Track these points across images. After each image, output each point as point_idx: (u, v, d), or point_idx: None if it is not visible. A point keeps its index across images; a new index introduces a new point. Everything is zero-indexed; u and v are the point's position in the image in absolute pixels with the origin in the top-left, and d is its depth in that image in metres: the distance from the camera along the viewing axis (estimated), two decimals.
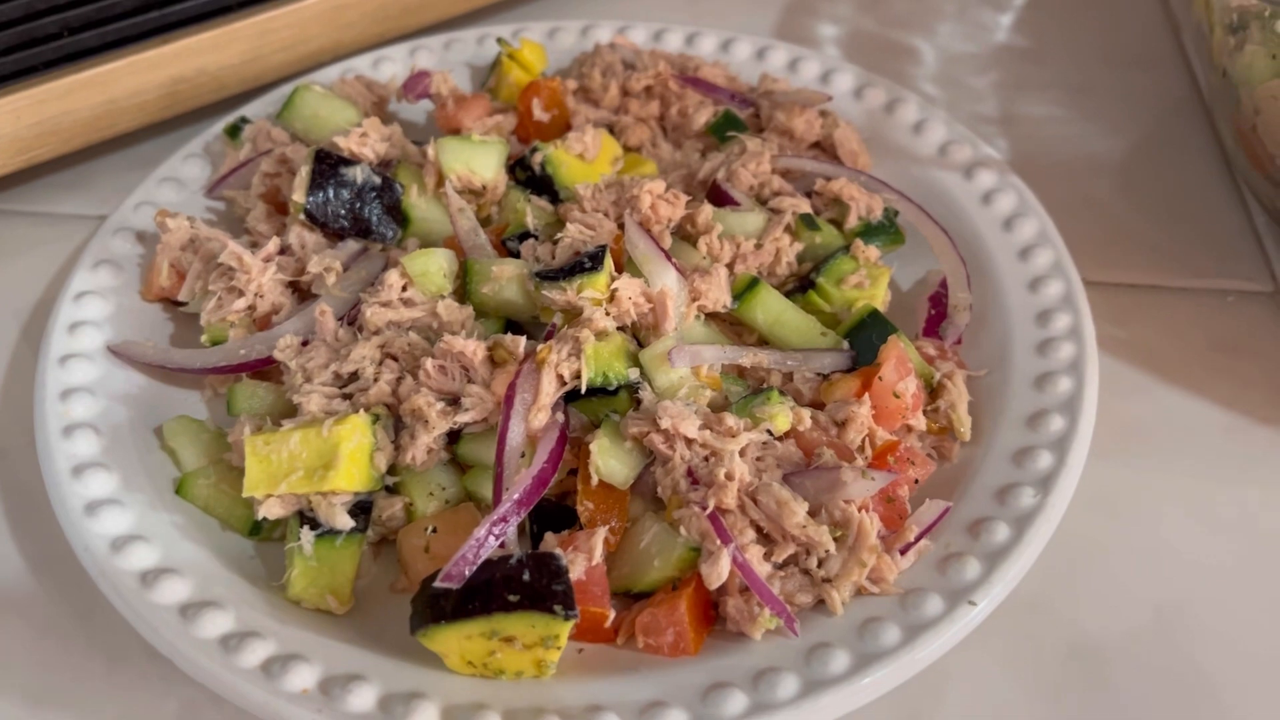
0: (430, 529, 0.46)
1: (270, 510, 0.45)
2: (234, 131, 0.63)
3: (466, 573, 0.41)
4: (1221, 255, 0.63)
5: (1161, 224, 0.65)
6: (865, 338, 0.51)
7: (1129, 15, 0.81)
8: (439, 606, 0.41)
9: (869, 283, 0.54)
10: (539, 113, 0.63)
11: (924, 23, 0.81)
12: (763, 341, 0.54)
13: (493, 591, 0.41)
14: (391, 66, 0.68)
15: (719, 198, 0.58)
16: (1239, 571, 0.49)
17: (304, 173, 0.54)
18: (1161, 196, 0.67)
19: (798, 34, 0.80)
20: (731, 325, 0.54)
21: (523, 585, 0.41)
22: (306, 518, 0.45)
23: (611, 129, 0.64)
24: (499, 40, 0.68)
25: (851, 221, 0.57)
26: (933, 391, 0.51)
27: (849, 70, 0.67)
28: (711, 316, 0.53)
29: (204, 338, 0.53)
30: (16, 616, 0.47)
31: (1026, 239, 0.57)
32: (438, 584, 0.41)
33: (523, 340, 0.48)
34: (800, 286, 0.55)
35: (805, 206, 0.57)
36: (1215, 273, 0.62)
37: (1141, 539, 0.50)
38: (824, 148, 0.63)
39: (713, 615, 0.44)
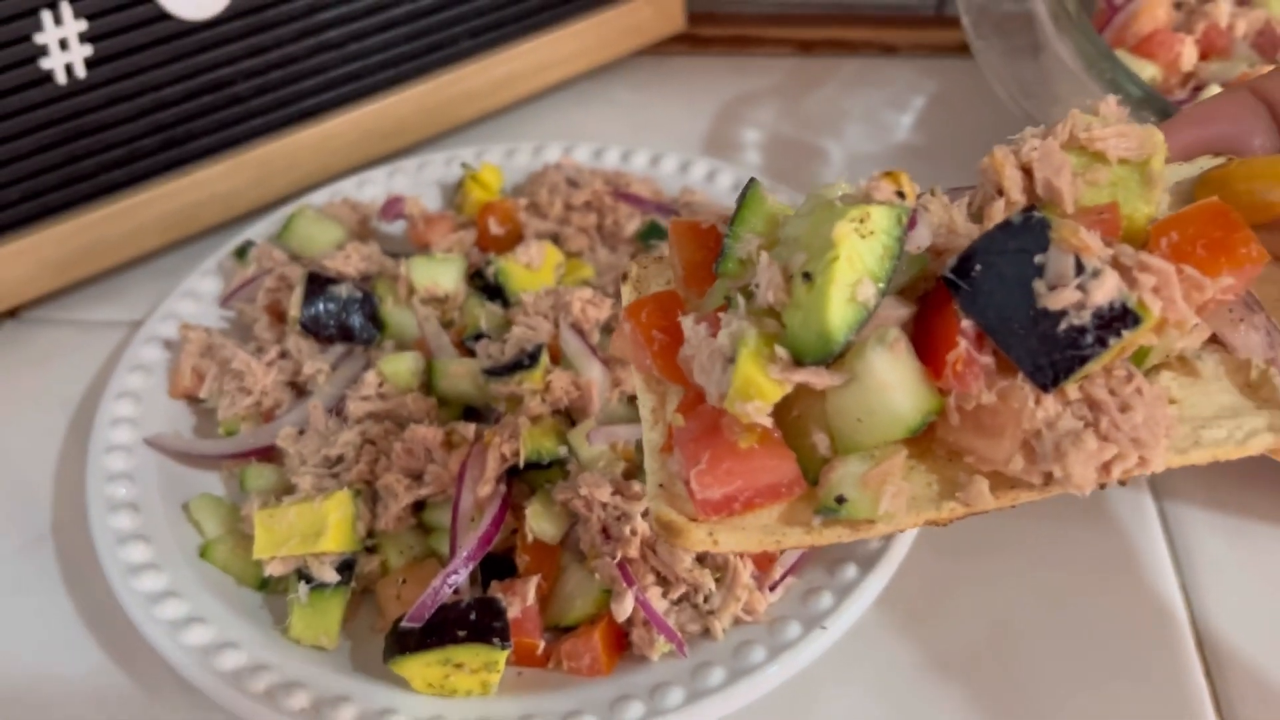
0: (401, 580, 0.58)
1: (274, 569, 0.57)
2: (241, 253, 0.75)
3: (426, 615, 0.53)
4: None
5: None
6: None
7: (1007, 114, 0.93)
8: (405, 641, 0.53)
9: None
10: (495, 228, 0.75)
11: (834, 125, 0.94)
12: None
13: (446, 629, 0.52)
14: (373, 188, 0.81)
15: None
16: (1056, 593, 0.61)
17: (298, 292, 0.67)
18: None
19: (725, 139, 0.92)
20: None
21: (469, 624, 0.52)
22: (303, 574, 0.57)
23: (556, 238, 0.77)
24: (463, 164, 0.81)
25: None
26: None
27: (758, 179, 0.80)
28: (633, 398, 0.65)
29: (220, 429, 0.66)
30: (72, 657, 0.59)
31: None
32: (404, 624, 0.53)
33: (473, 427, 0.60)
34: None
35: None
36: None
37: (978, 571, 0.61)
38: None
39: (623, 643, 0.56)
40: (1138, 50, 0.75)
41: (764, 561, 0.57)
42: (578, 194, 0.78)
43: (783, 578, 0.56)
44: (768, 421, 0.35)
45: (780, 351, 0.35)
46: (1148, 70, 0.72)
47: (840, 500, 0.36)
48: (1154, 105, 0.62)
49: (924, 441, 0.37)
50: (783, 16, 1.03)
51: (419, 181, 0.82)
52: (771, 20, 1.03)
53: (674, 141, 0.90)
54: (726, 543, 0.36)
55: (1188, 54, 0.73)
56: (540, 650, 0.55)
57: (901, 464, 0.36)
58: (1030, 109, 0.65)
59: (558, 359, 0.65)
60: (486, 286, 0.71)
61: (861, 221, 0.34)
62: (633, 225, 0.76)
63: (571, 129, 0.93)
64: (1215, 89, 0.70)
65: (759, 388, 0.34)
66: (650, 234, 0.76)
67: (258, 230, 0.78)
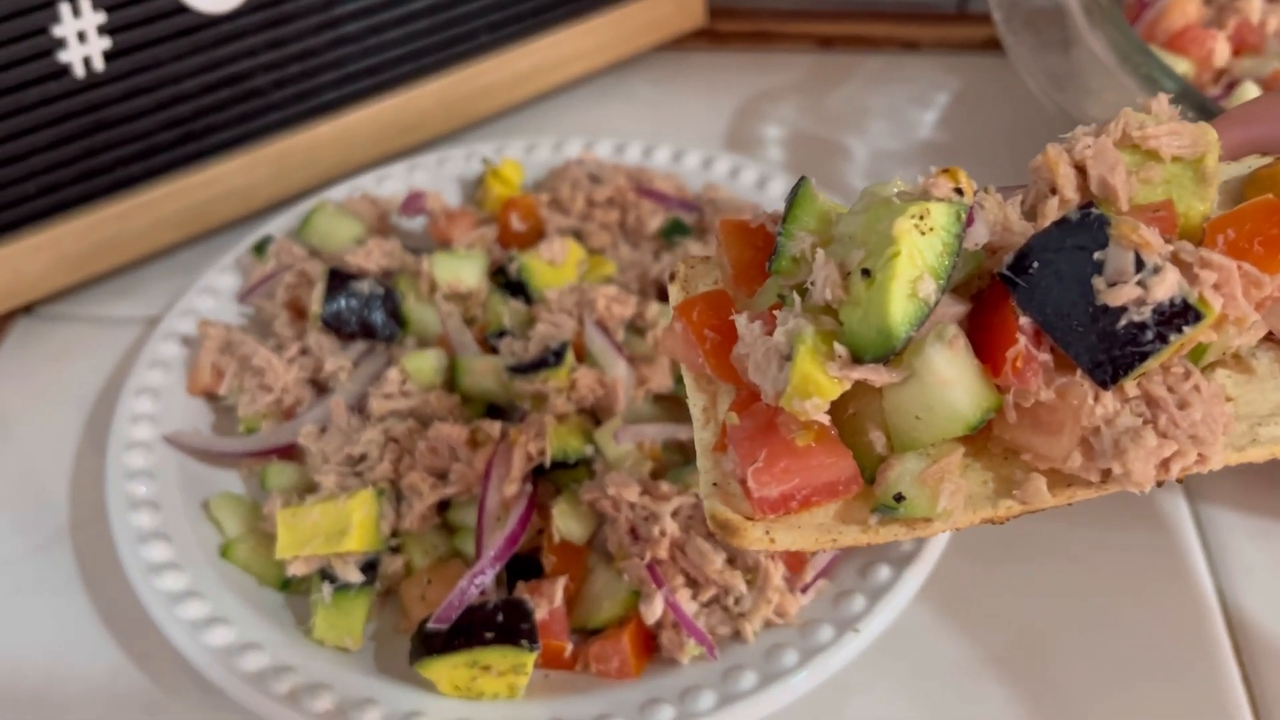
0: (426, 580, 0.57)
1: (297, 569, 0.56)
2: (260, 248, 0.74)
3: (453, 616, 0.52)
4: None
5: None
6: None
7: (1031, 112, 0.92)
8: (432, 643, 0.52)
9: None
10: (516, 224, 0.74)
11: (857, 122, 0.92)
12: None
13: (473, 630, 0.52)
14: (393, 184, 0.80)
15: (666, 295, 0.70)
16: (1091, 595, 0.59)
17: (320, 288, 0.66)
18: None
19: (746, 135, 0.91)
20: (677, 402, 0.65)
21: (497, 625, 0.52)
22: (326, 574, 0.56)
23: (578, 234, 0.76)
24: (484, 160, 0.80)
25: None
26: None
27: (781, 176, 0.79)
28: (658, 397, 0.64)
29: (240, 427, 0.65)
30: (89, 656, 0.58)
31: None
32: (430, 625, 0.52)
33: (498, 425, 0.59)
34: None
35: None
36: None
37: (1011, 574, 0.60)
38: None
39: (652, 645, 0.55)
40: (1169, 46, 0.74)
41: (795, 563, 0.56)
42: (600, 190, 0.77)
43: (814, 580, 0.55)
44: (825, 419, 0.35)
45: (839, 348, 0.34)
46: (1180, 66, 0.71)
47: (899, 498, 0.36)
48: (1190, 100, 0.61)
49: (980, 440, 0.37)
50: (803, 12, 1.02)
51: (439, 177, 0.81)
52: (791, 15, 1.02)
53: (695, 137, 0.90)
54: (783, 541, 0.36)
55: (1220, 50, 0.72)
56: (568, 653, 0.54)
57: (959, 461, 0.36)
58: (1062, 103, 0.64)
59: (582, 357, 0.64)
60: (509, 283, 0.70)
61: (921, 218, 0.34)
62: (656, 222, 0.75)
63: (591, 124, 0.92)
64: (1249, 85, 0.69)
65: (817, 385, 0.34)
66: (673, 231, 0.75)
67: (276, 225, 0.77)
